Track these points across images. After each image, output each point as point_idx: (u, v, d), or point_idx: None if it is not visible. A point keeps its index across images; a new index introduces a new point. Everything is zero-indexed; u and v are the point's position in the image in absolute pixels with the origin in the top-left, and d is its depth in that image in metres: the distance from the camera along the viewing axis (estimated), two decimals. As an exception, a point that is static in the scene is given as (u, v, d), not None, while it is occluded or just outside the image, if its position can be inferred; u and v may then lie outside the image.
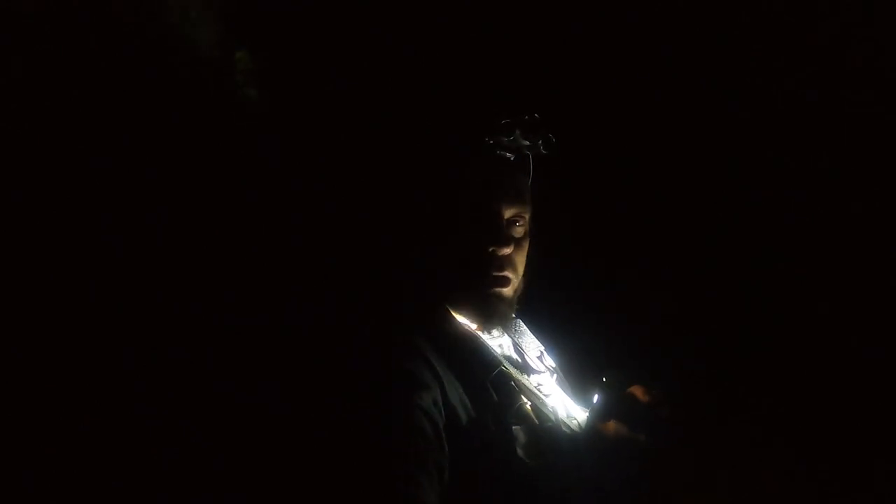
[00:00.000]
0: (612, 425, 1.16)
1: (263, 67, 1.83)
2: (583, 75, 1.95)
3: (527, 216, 1.27)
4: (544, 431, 1.20)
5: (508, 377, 1.21)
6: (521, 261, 1.26)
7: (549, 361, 1.37)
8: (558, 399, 1.29)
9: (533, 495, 1.13)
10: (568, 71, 1.94)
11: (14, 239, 1.63)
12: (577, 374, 1.39)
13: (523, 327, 1.36)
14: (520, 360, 1.32)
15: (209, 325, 1.69)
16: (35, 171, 1.67)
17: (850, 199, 1.88)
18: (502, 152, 1.25)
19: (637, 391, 1.20)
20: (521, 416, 1.19)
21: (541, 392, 1.26)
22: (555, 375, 1.35)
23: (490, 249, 1.21)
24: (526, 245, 1.27)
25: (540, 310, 1.34)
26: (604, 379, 1.23)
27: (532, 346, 1.36)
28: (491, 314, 1.25)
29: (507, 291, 1.25)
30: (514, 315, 1.30)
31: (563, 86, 1.94)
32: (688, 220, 1.97)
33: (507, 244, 1.22)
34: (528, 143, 1.25)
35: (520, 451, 1.15)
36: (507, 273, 1.24)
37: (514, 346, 1.34)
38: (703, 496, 1.39)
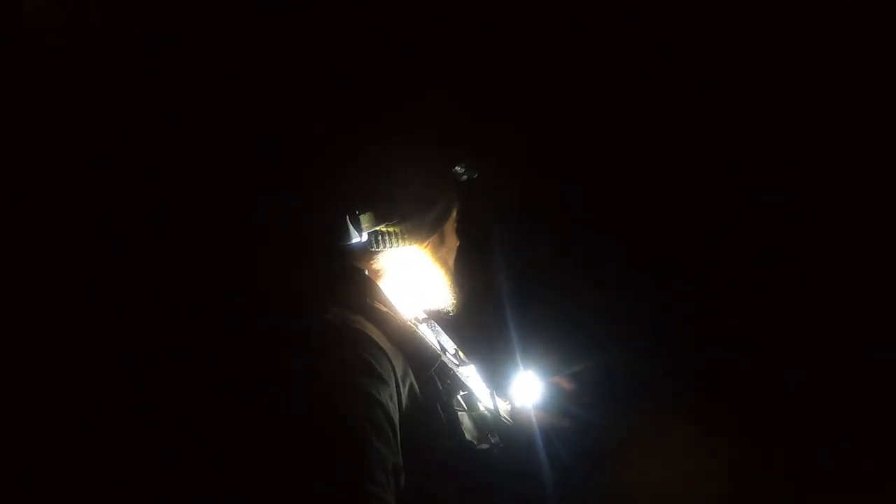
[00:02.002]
0: (539, 414, 1.27)
1: (264, 68, 1.83)
2: (583, 75, 1.95)
3: None
4: (479, 419, 1.29)
5: (448, 368, 1.27)
6: None
7: (463, 357, 1.43)
8: (481, 389, 1.37)
9: (484, 477, 1.17)
10: (568, 71, 1.94)
11: (14, 239, 1.63)
12: (494, 367, 1.44)
13: (437, 327, 1.42)
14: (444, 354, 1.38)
15: (209, 325, 1.69)
16: (35, 171, 1.67)
17: (851, 200, 1.88)
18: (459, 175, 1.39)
19: (560, 381, 1.28)
20: (460, 404, 1.27)
21: (469, 383, 1.33)
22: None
23: None
24: None
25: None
26: (528, 370, 1.31)
27: (448, 344, 1.43)
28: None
29: None
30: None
31: (562, 86, 1.94)
32: (687, 221, 1.97)
33: None
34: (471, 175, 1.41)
35: (467, 435, 1.22)
36: None
37: (437, 342, 1.40)
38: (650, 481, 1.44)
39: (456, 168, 1.35)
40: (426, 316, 1.40)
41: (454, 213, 1.36)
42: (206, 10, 1.82)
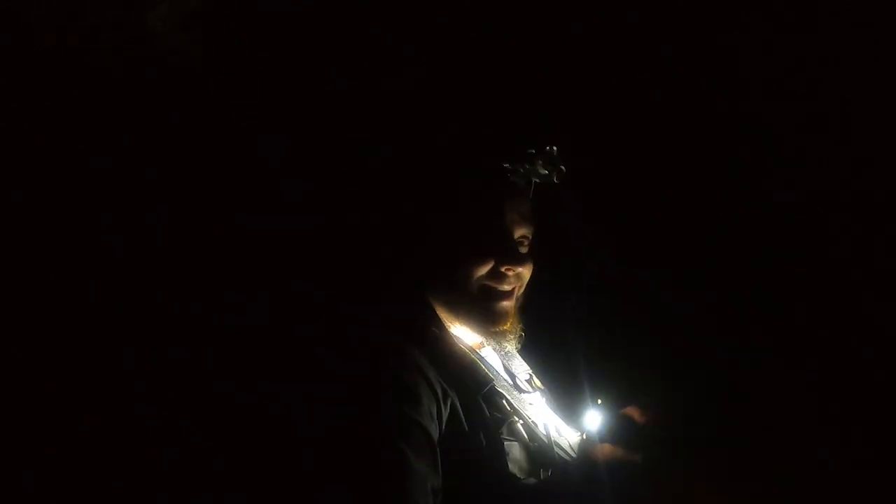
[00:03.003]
0: (607, 447, 1.18)
1: (264, 68, 1.83)
2: (583, 75, 1.95)
3: (530, 237, 1.31)
4: (535, 450, 1.21)
5: (500, 394, 1.22)
6: (526, 279, 1.30)
7: (538, 384, 1.38)
8: (549, 419, 1.30)
9: None
10: (568, 71, 1.94)
11: (14, 239, 1.63)
12: (567, 396, 1.38)
13: (512, 350, 1.36)
14: (510, 380, 1.32)
15: (209, 325, 1.69)
16: (35, 171, 1.67)
17: (852, 200, 1.88)
18: (515, 178, 1.28)
19: (633, 412, 1.21)
20: (513, 433, 1.20)
21: (531, 411, 1.27)
22: (544, 397, 1.36)
23: (504, 268, 1.25)
24: (531, 264, 1.30)
25: (533, 330, 1.35)
26: (598, 400, 1.24)
27: (521, 369, 1.38)
28: (495, 329, 1.28)
29: (511, 306, 1.29)
30: (517, 334, 1.32)
31: (562, 86, 1.94)
32: (688, 222, 1.97)
33: (521, 262, 1.26)
34: (545, 172, 1.29)
35: (511, 467, 1.15)
36: (514, 288, 1.28)
37: (504, 367, 1.35)
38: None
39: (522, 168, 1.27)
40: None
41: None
42: (206, 10, 1.82)
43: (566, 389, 1.39)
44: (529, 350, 1.37)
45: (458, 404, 1.16)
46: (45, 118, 1.69)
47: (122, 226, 1.70)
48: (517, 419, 1.22)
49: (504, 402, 1.22)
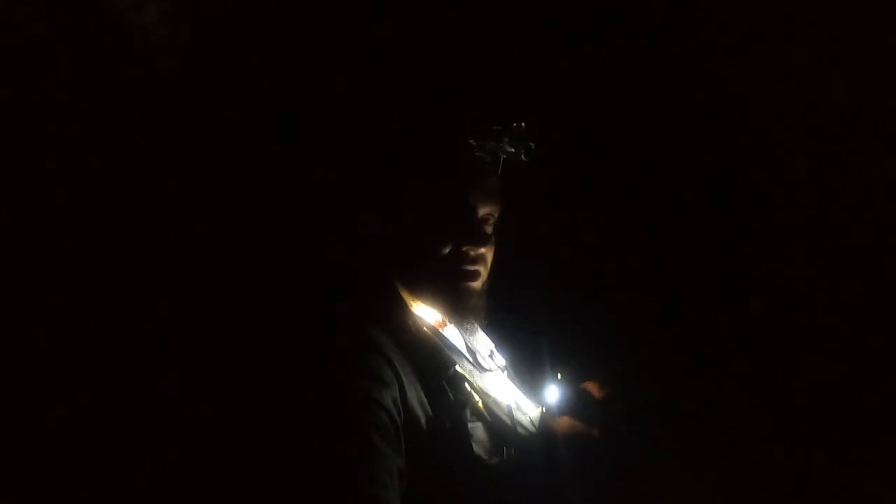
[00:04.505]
0: (566, 421, 1.20)
1: (262, 68, 1.83)
2: (582, 75, 1.95)
3: (496, 215, 1.30)
4: (497, 429, 1.23)
5: (463, 376, 1.22)
6: (489, 257, 1.30)
7: (500, 359, 1.38)
8: (510, 396, 1.31)
9: (491, 492, 1.15)
10: (567, 71, 1.94)
11: (14, 239, 1.63)
12: (529, 371, 1.39)
13: (475, 325, 1.36)
14: (471, 358, 1.32)
15: (209, 325, 1.69)
16: (35, 171, 1.67)
17: (852, 199, 1.88)
18: (482, 154, 1.26)
19: (591, 387, 1.23)
20: (476, 414, 1.22)
21: (493, 390, 1.28)
22: (505, 372, 1.37)
23: (465, 248, 1.24)
24: (493, 242, 1.30)
25: (495, 307, 1.34)
26: (558, 375, 1.26)
27: (483, 344, 1.37)
28: (460, 309, 1.27)
29: (477, 286, 1.28)
30: (482, 313, 1.31)
31: (562, 85, 1.94)
32: (685, 221, 1.97)
33: (482, 242, 1.26)
34: (512, 150, 1.27)
35: (476, 448, 1.17)
36: (479, 268, 1.27)
37: (465, 344, 1.34)
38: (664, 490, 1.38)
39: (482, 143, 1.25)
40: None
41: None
42: (206, 10, 1.82)
43: (528, 362, 1.40)
44: (493, 323, 1.37)
45: (422, 389, 1.17)
46: (45, 118, 1.69)
47: (122, 226, 1.71)
48: (479, 399, 1.23)
49: (466, 383, 1.23)
